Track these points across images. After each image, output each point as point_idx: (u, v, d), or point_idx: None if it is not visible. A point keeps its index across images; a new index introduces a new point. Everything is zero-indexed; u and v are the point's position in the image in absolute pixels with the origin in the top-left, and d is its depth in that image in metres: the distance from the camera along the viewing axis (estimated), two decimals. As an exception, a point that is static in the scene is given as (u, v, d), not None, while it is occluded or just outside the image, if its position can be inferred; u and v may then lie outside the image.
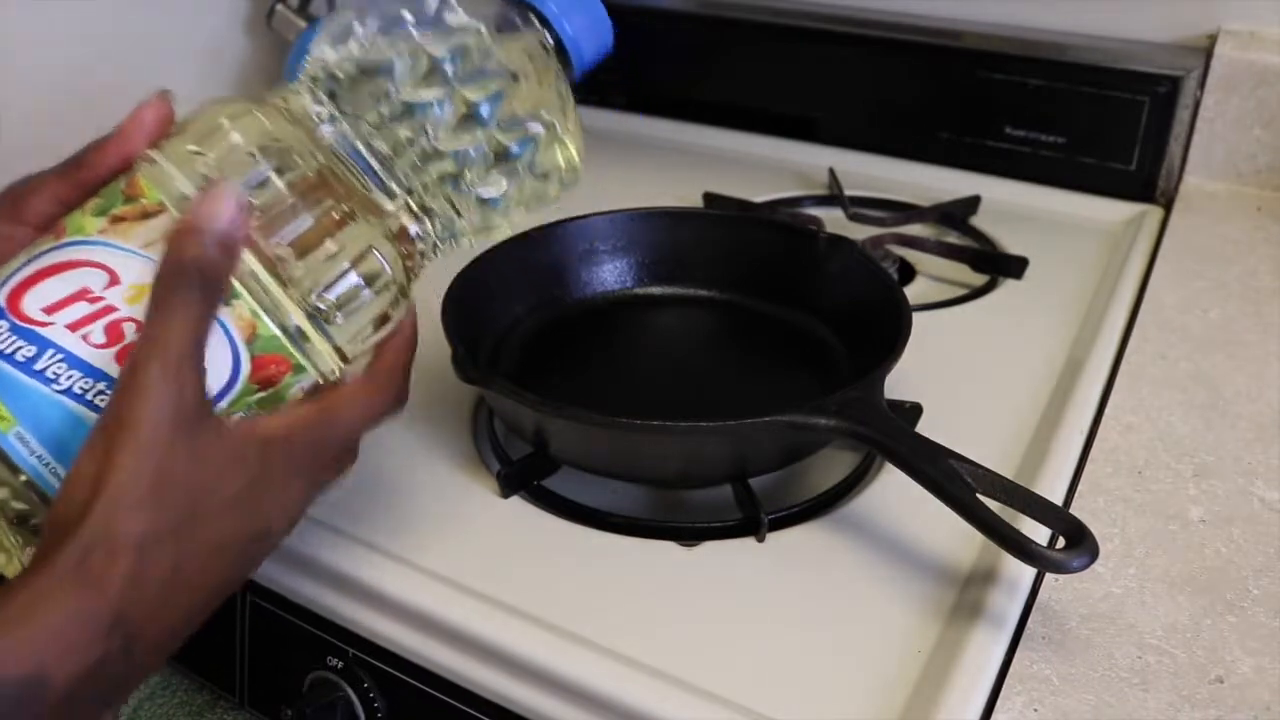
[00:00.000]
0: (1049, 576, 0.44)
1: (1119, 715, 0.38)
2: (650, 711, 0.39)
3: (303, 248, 0.37)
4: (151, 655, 0.35)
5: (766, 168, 0.90)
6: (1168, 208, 0.79)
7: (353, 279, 0.38)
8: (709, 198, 0.81)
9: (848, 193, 0.82)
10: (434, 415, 0.56)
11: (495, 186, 0.40)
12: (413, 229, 0.40)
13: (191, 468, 0.34)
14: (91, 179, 0.39)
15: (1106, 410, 0.55)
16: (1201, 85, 0.79)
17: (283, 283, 0.37)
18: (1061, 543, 0.41)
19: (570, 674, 0.41)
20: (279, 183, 0.37)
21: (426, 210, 0.40)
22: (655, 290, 0.65)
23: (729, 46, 0.94)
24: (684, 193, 0.82)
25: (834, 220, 0.78)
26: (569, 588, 0.45)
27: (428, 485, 0.52)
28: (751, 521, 0.48)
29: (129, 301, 0.36)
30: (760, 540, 0.48)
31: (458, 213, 0.41)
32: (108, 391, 0.35)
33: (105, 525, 0.32)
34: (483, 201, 0.40)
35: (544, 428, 0.49)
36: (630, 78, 1.01)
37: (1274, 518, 0.48)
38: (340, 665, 0.47)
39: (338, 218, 0.38)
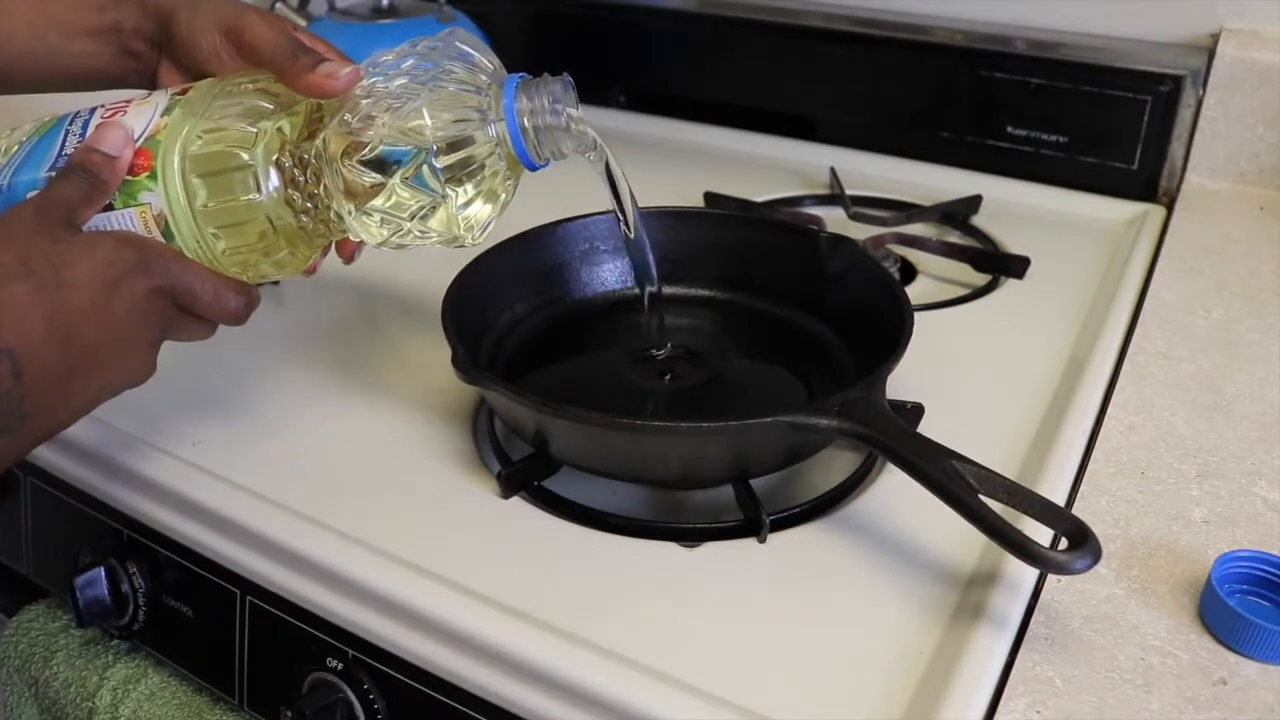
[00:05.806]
0: (1051, 578, 0.44)
1: (1122, 717, 0.38)
2: (651, 712, 0.39)
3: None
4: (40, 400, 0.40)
5: (767, 167, 0.89)
6: (1170, 207, 0.79)
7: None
8: (710, 197, 0.81)
9: (849, 192, 0.82)
10: (434, 416, 0.56)
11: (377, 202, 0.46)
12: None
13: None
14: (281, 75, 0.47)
15: (1109, 410, 0.55)
16: (1204, 84, 0.79)
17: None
18: (1064, 544, 0.41)
19: (570, 675, 0.41)
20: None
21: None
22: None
23: (729, 46, 0.94)
24: (684, 192, 0.82)
25: (835, 220, 0.78)
26: (569, 589, 0.45)
27: (428, 486, 0.52)
28: (753, 522, 0.48)
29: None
30: (762, 541, 0.48)
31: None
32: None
33: None
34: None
35: (545, 428, 0.49)
36: (630, 78, 1.01)
37: (1277, 518, 0.47)
38: (340, 666, 0.47)
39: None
